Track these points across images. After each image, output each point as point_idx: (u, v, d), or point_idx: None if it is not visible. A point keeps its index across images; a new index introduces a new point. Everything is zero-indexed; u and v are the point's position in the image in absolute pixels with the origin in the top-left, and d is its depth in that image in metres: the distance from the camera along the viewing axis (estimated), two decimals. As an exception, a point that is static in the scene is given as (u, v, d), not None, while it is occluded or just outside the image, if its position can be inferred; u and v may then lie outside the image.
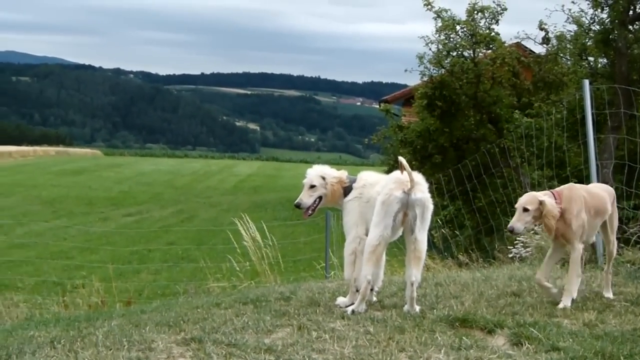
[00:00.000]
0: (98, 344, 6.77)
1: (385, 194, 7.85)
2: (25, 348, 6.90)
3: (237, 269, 16.44)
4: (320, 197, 8.59)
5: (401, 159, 7.89)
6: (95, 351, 6.55)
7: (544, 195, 8.28)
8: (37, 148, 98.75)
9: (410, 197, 7.77)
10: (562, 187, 8.58)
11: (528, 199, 8.25)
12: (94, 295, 17.09)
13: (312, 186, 8.57)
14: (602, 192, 8.71)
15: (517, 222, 8.18)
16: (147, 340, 6.83)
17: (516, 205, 8.30)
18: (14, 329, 8.85)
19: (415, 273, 7.84)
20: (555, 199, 8.27)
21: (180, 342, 6.83)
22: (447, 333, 7.05)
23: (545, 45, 33.01)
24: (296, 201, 8.60)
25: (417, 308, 7.87)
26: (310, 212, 8.62)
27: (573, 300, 8.30)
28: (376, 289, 8.56)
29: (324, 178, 8.56)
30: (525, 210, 8.17)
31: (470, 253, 14.95)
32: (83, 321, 8.68)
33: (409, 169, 7.76)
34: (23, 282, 24.38)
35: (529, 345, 6.71)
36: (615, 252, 9.00)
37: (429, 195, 7.95)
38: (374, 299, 8.48)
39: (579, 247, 8.34)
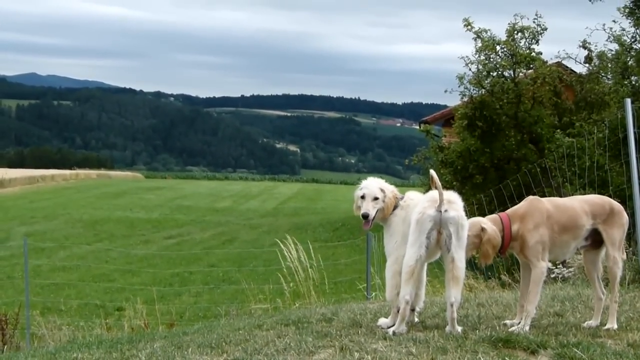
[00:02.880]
0: (141, 366, 6.80)
1: (419, 213, 7.84)
2: (69, 370, 6.94)
3: (286, 288, 16.45)
4: (377, 210, 8.57)
5: (432, 172, 7.88)
6: (139, 373, 6.57)
7: (488, 222, 8.12)
8: (79, 171, 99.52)
9: (443, 215, 7.74)
10: (520, 204, 8.30)
11: (470, 224, 8.08)
12: (136, 317, 17.16)
13: (376, 198, 8.53)
14: (576, 206, 8.26)
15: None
16: (189, 362, 6.85)
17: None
18: (57, 352, 8.89)
19: (454, 294, 7.78)
20: (504, 223, 8.11)
21: (223, 363, 6.84)
22: (490, 354, 7.00)
23: (588, 65, 32.82)
24: (363, 211, 8.52)
25: (459, 329, 7.82)
26: (370, 224, 8.59)
27: (534, 320, 8.10)
28: (417, 309, 8.53)
29: (383, 191, 8.54)
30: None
31: (513, 273, 14.85)
32: (126, 343, 8.71)
33: (440, 185, 7.75)
34: (66, 304, 24.54)
35: (573, 366, 6.65)
36: (619, 271, 8.37)
37: (463, 213, 7.89)
38: (416, 319, 8.45)
39: (541, 265, 8.02)
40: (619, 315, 8.35)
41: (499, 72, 32.46)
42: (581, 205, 8.23)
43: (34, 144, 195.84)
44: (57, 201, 63.31)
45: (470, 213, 8.03)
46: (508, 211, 8.28)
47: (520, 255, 8.16)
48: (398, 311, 8.04)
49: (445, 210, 7.74)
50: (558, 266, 13.55)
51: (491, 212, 8.51)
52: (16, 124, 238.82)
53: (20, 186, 77.56)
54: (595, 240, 8.33)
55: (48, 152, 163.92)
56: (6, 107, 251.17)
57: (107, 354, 7.76)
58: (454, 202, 7.88)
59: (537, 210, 8.05)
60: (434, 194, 7.92)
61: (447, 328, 7.86)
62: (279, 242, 16.81)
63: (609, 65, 31.45)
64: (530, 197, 8.36)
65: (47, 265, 32.60)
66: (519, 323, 7.98)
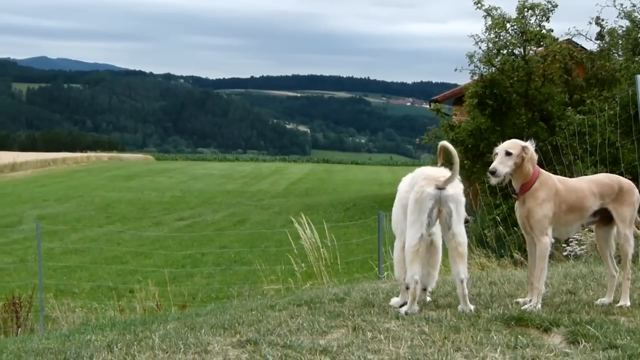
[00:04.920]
0: (155, 347, 6.80)
1: (417, 192, 7.85)
2: (82, 352, 6.95)
3: (296, 269, 16.46)
4: None
5: (446, 144, 7.95)
6: (152, 354, 6.58)
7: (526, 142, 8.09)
8: (90, 154, 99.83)
9: (443, 193, 7.79)
10: (547, 173, 8.19)
11: (510, 144, 8.03)
12: (149, 299, 17.21)
13: None
14: (585, 187, 8.19)
15: (500, 164, 7.93)
16: (202, 343, 6.85)
17: (497, 150, 8.01)
18: (71, 334, 8.91)
19: (462, 269, 7.85)
20: (535, 171, 7.99)
21: (236, 344, 6.84)
22: (503, 332, 6.99)
23: (599, 42, 32.66)
24: None
25: (472, 306, 7.85)
26: None
27: (545, 298, 8.08)
28: (429, 289, 8.54)
29: None
30: (508, 154, 7.97)
31: (525, 251, 14.84)
32: (139, 325, 8.73)
33: (457, 160, 7.84)
34: (79, 287, 24.62)
35: (586, 344, 6.62)
36: (631, 249, 8.27)
37: (460, 189, 7.98)
38: (428, 298, 8.46)
39: (545, 240, 7.95)
40: (632, 292, 8.32)
41: (509, 50, 32.31)
42: (589, 186, 8.16)
43: (45, 128, 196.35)
44: (69, 184, 63.54)
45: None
46: (541, 169, 8.22)
47: (526, 225, 8.11)
48: (407, 288, 8.06)
49: (444, 188, 7.81)
50: (570, 244, 13.54)
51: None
52: (27, 107, 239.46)
53: (32, 169, 77.86)
54: (606, 217, 8.30)
55: (59, 136, 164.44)
56: (17, 91, 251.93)
57: (121, 335, 7.77)
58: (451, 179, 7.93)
59: (547, 185, 8.01)
60: (427, 171, 8.06)
61: (460, 306, 7.87)
62: (293, 220, 16.81)
63: (620, 42, 31.30)
64: (547, 173, 8.32)
65: (59, 248, 32.70)
66: (531, 301, 7.97)
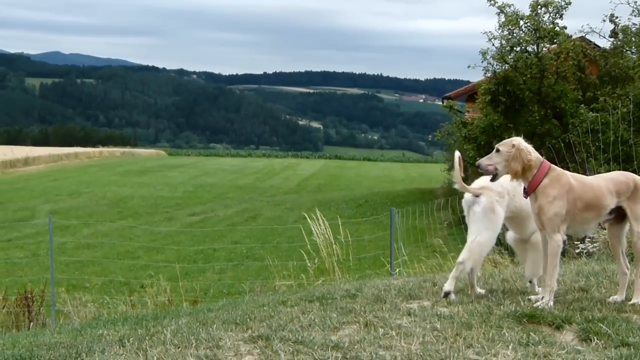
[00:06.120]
0: (166, 342, 6.81)
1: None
2: (94, 347, 6.96)
3: (309, 265, 16.45)
4: None
5: (457, 154, 8.72)
6: (164, 349, 6.58)
7: (522, 141, 8.18)
8: (103, 149, 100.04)
9: (473, 198, 8.54)
10: (558, 169, 8.20)
11: (504, 141, 8.28)
12: (161, 294, 17.24)
13: None
14: (602, 185, 8.16)
15: (485, 160, 8.22)
16: (214, 338, 6.86)
17: None
18: (82, 328, 8.94)
19: (463, 255, 8.43)
20: (541, 167, 8.03)
21: (248, 339, 6.84)
22: (515, 329, 6.98)
23: (612, 39, 32.59)
24: None
25: (452, 295, 8.42)
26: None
27: (558, 295, 8.06)
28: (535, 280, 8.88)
29: None
30: (497, 150, 8.15)
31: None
32: (151, 320, 8.74)
33: (457, 167, 8.55)
34: (90, 282, 24.67)
35: (598, 341, 6.61)
36: None
37: (493, 198, 8.44)
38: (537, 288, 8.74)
39: (556, 237, 7.95)
40: (644, 290, 8.30)
41: (523, 47, 32.33)
42: (607, 184, 8.15)
43: (58, 123, 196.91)
44: (81, 179, 63.59)
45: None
46: (552, 165, 8.22)
47: (538, 223, 8.11)
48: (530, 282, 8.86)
49: (477, 196, 8.43)
50: (583, 242, 13.51)
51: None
52: (40, 102, 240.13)
53: (45, 164, 78.05)
54: (619, 214, 8.28)
55: (72, 130, 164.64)
56: (30, 86, 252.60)
57: (132, 330, 7.79)
58: (486, 187, 8.48)
59: (560, 182, 8.00)
60: (481, 180, 8.71)
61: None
62: (305, 216, 16.80)
63: (634, 40, 31.25)
64: (562, 170, 8.31)
65: (71, 243, 32.75)
66: (543, 298, 7.96)
